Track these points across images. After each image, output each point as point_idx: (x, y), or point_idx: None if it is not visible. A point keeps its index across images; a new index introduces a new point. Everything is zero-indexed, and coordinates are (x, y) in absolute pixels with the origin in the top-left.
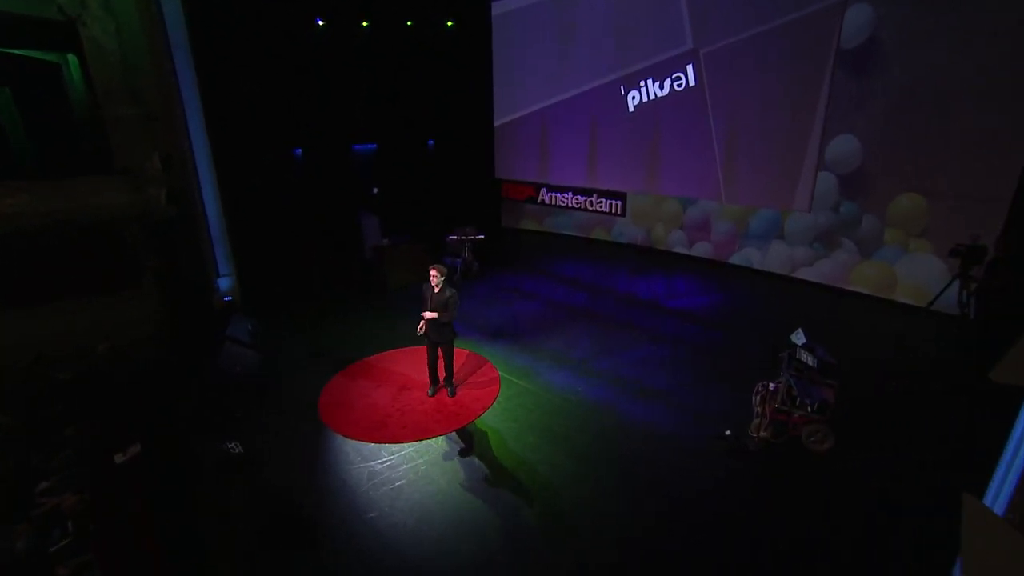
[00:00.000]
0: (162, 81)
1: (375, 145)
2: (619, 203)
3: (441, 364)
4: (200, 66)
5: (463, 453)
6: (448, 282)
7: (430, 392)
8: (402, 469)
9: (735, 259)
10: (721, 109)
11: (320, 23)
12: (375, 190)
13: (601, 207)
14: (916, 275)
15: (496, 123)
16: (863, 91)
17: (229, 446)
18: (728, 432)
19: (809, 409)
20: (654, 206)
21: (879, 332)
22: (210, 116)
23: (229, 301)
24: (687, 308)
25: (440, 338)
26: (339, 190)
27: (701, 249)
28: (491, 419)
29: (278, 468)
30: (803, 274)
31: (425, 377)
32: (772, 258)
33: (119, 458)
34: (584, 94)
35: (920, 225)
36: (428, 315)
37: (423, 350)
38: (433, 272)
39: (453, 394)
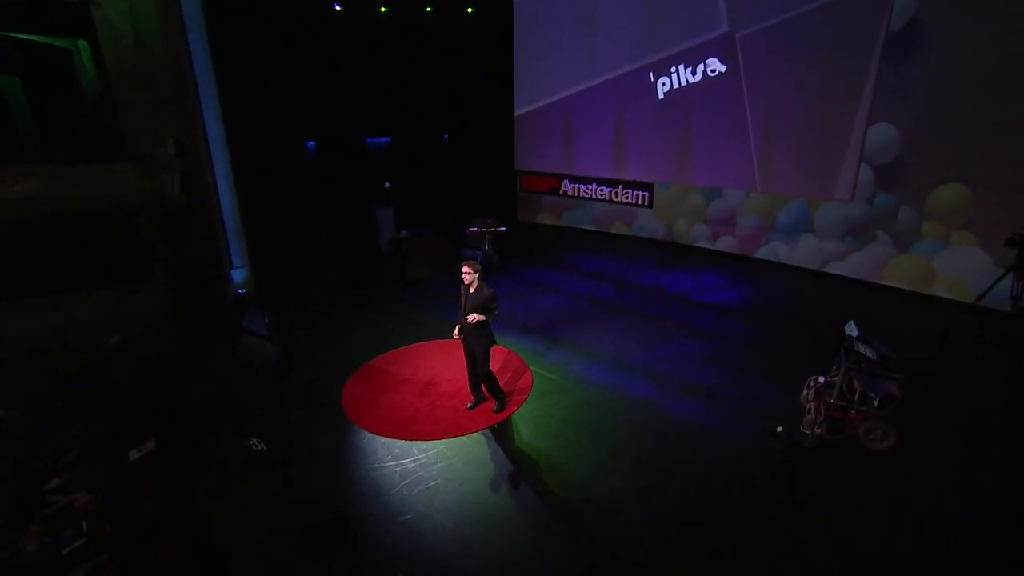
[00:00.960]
0: (176, 65)
1: (388, 139)
2: (646, 194)
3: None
4: (216, 50)
5: (501, 451)
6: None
7: (469, 405)
8: (436, 467)
9: (761, 253)
10: (758, 95)
11: (337, 8)
12: (387, 184)
13: (627, 198)
14: (957, 269)
15: (517, 112)
16: (902, 77)
17: (251, 443)
18: (780, 429)
19: (875, 403)
20: (677, 200)
21: (919, 328)
22: (225, 102)
23: (243, 293)
24: (718, 302)
25: (475, 343)
26: (354, 182)
27: (725, 243)
28: (527, 414)
29: (304, 466)
30: (833, 268)
31: (452, 372)
32: (801, 252)
33: (133, 455)
34: (610, 81)
35: (963, 217)
36: (472, 318)
37: (447, 344)
38: (466, 269)
39: (499, 408)
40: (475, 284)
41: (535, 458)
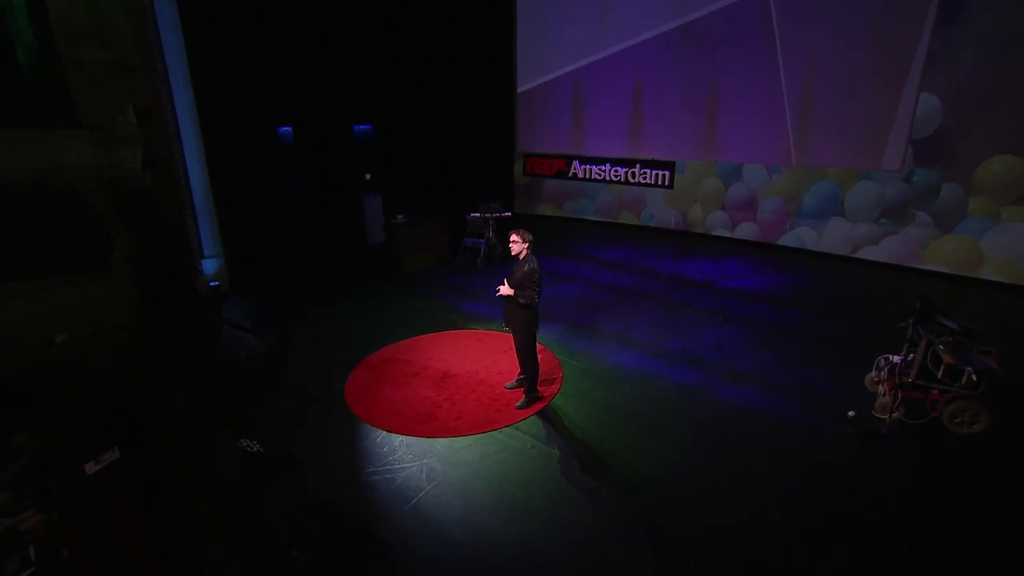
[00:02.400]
0: (137, 20)
1: (370, 126)
2: (666, 173)
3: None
4: (185, 8)
5: (542, 444)
6: (468, 264)
7: (508, 384)
8: (468, 465)
9: (786, 240)
10: (795, 60)
11: None
12: (367, 175)
13: (645, 178)
14: (1009, 248)
15: (520, 88)
16: (946, 43)
17: (244, 444)
18: (852, 413)
19: (972, 377)
20: (692, 185)
21: (968, 316)
22: (196, 66)
23: (215, 286)
24: (747, 289)
25: (512, 323)
26: (339, 167)
27: (746, 231)
28: (565, 405)
29: (309, 469)
30: (867, 253)
31: (470, 363)
32: (830, 237)
33: (91, 467)
34: (628, 50)
35: (1015, 191)
36: (503, 290)
37: (460, 335)
38: (513, 237)
39: (525, 404)
40: (523, 254)
41: (585, 450)
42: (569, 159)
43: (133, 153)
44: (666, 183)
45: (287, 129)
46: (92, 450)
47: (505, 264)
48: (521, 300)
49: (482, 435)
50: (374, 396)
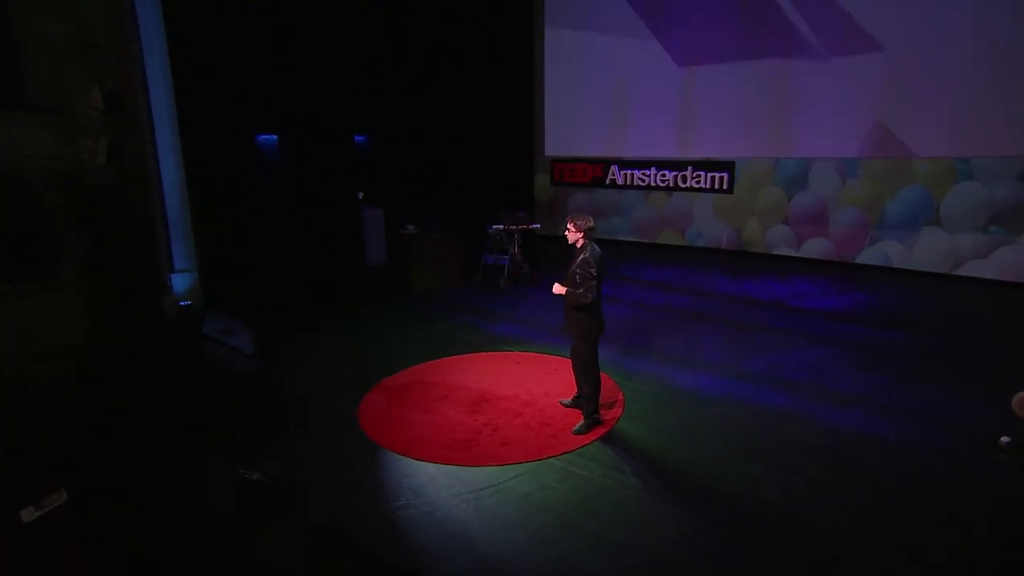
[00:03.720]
0: None
1: (364, 137)
2: (724, 175)
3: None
4: None
5: (615, 473)
6: (489, 285)
7: (564, 401)
8: (525, 496)
9: (866, 257)
10: (891, 33)
11: None
12: (360, 195)
13: (698, 182)
14: None
15: (548, 82)
16: None
17: (242, 472)
18: (1006, 439)
19: None
20: (747, 196)
21: None
22: (177, 50)
23: (186, 307)
24: (830, 309)
25: (569, 326)
26: (335, 177)
27: (816, 248)
28: (634, 429)
29: (329, 501)
30: (972, 269)
31: (509, 387)
32: (923, 252)
33: (29, 514)
34: (679, 30)
35: None
36: (557, 288)
37: (490, 357)
38: (568, 226)
39: (583, 429)
40: (580, 243)
41: (668, 478)
42: (607, 164)
43: (96, 143)
44: (724, 186)
45: (273, 137)
46: (32, 493)
47: (533, 285)
48: (570, 301)
49: (536, 462)
50: (396, 422)
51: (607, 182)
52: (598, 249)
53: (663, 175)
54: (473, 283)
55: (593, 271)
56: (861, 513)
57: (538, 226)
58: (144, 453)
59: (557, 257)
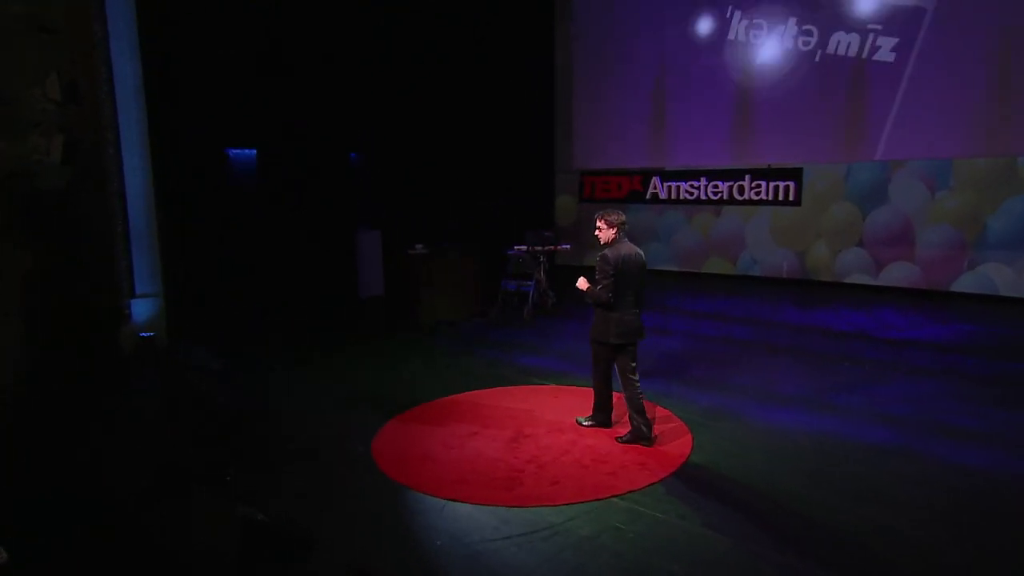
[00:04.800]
0: None
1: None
2: (791, 185)
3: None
4: None
5: (687, 512)
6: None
7: (584, 420)
8: (589, 539)
9: (964, 284)
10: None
11: None
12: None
13: (758, 194)
14: None
15: (577, 83)
16: None
17: (245, 512)
18: None
19: None
20: (812, 214)
21: None
22: (148, 36)
23: (148, 337)
24: (929, 340)
25: (592, 327)
26: (328, 197)
27: (899, 274)
28: (708, 464)
29: (351, 545)
30: None
31: (545, 425)
32: None
33: None
34: (731, 16)
35: None
36: (581, 283)
37: (523, 391)
38: (598, 224)
39: (626, 439)
40: (611, 240)
41: (765, 519)
42: (647, 176)
43: (49, 141)
44: (791, 197)
45: (256, 146)
46: None
47: (562, 316)
48: (588, 297)
49: (595, 503)
50: (418, 460)
51: (647, 196)
52: (629, 248)
53: (715, 186)
54: (491, 317)
55: (609, 269)
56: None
57: (568, 247)
58: (106, 501)
59: (569, 291)
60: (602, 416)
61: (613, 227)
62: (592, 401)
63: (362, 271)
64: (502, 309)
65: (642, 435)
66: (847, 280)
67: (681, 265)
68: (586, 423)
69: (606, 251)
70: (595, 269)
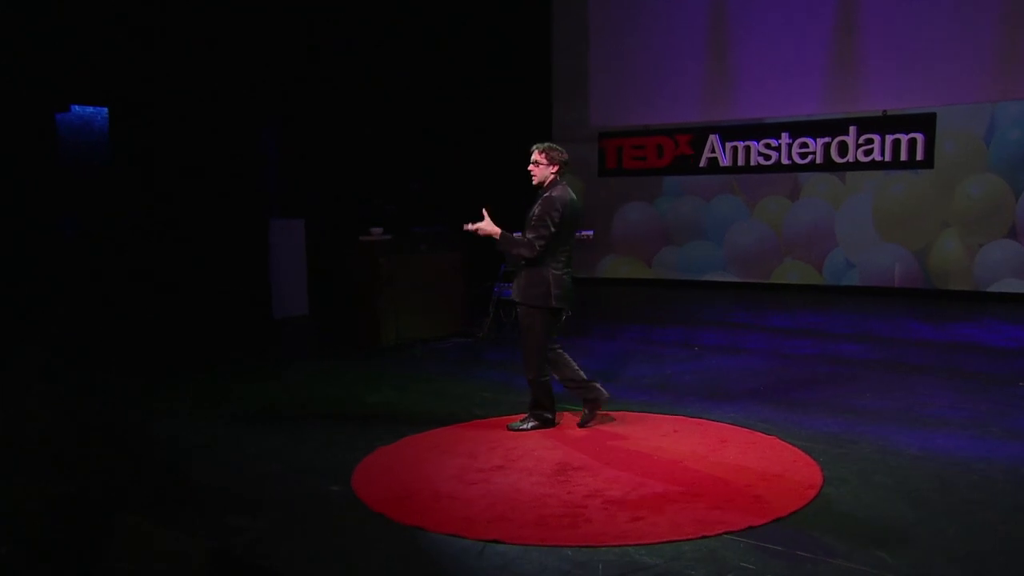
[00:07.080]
0: None
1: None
2: (919, 137)
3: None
4: None
5: (828, 560)
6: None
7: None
8: None
9: None
10: None
11: None
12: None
13: (869, 153)
14: None
15: (591, 20)
16: None
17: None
18: None
19: None
20: (937, 195)
21: None
22: None
23: None
24: None
25: (515, 292)
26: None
27: None
28: (848, 499)
29: None
30: None
31: (605, 451)
32: None
33: None
34: None
35: None
36: (487, 225)
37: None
38: (535, 156)
39: (515, 427)
40: (549, 181)
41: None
42: (701, 134)
43: None
44: (919, 156)
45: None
46: None
47: (580, 332)
48: (504, 245)
49: (704, 540)
50: (426, 499)
51: (702, 163)
52: (570, 193)
53: (804, 144)
54: (485, 330)
55: (556, 216)
56: None
57: (591, 233)
58: None
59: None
60: (588, 393)
61: (555, 164)
62: (536, 395)
63: (276, 279)
64: (494, 322)
65: (546, 420)
66: (992, 289)
67: (742, 274)
68: (525, 426)
69: (552, 193)
70: (532, 215)
